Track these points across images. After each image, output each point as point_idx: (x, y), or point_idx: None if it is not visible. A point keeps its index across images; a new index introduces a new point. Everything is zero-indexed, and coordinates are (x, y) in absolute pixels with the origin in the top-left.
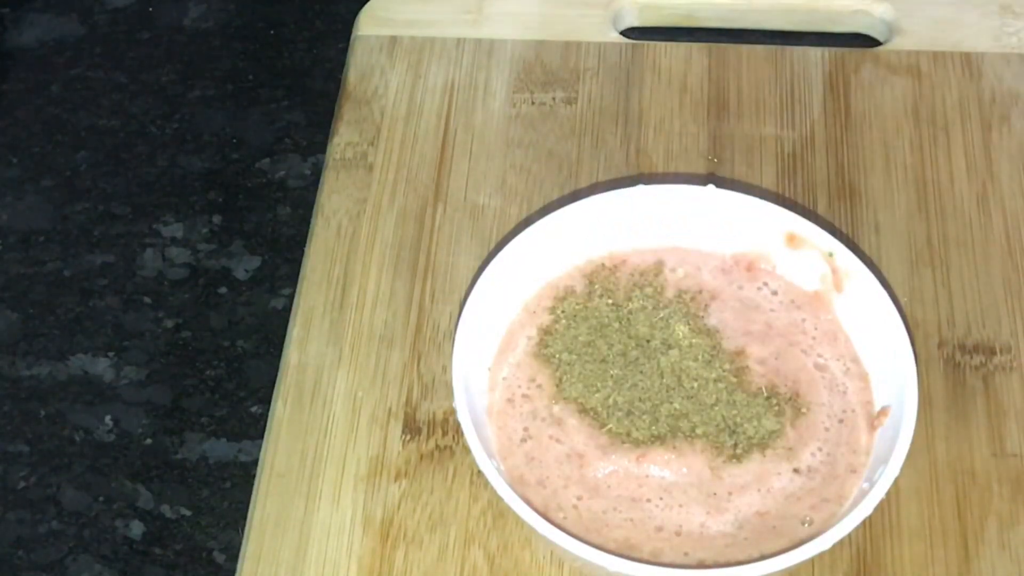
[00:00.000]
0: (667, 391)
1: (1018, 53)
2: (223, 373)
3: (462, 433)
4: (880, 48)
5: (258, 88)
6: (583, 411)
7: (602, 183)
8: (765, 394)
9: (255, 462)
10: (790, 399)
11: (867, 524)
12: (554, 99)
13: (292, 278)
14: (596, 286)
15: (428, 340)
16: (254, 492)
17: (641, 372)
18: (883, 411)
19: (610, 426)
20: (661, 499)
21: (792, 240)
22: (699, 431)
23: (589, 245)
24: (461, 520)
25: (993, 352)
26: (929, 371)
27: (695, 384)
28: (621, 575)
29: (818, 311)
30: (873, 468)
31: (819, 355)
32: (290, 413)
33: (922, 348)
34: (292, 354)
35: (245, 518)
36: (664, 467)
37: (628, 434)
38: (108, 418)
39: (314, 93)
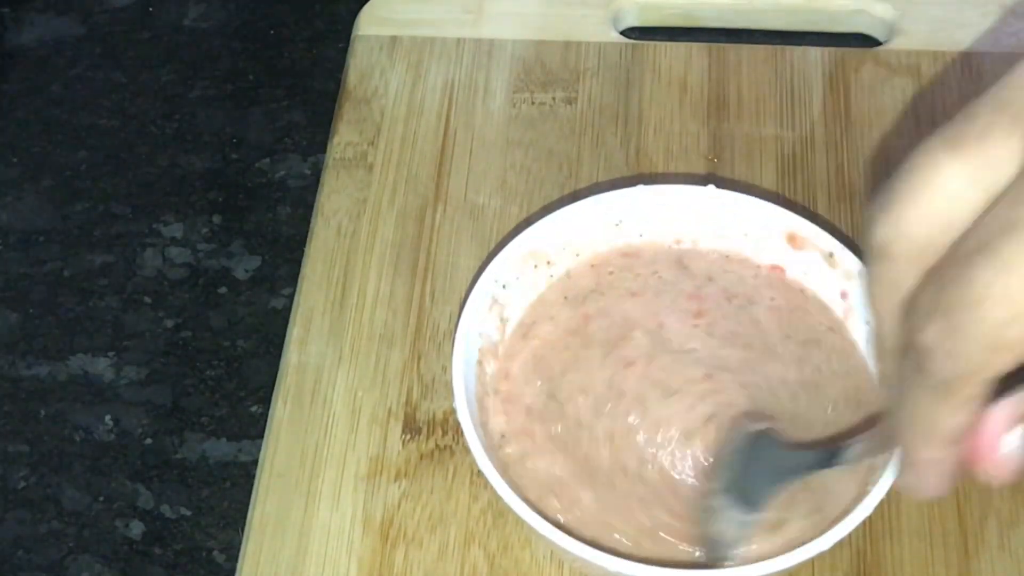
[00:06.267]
0: None
1: (1018, 53)
2: (223, 373)
3: (462, 433)
4: (880, 48)
5: (258, 88)
6: None
7: (602, 183)
8: None
9: (255, 462)
10: None
11: (867, 524)
12: (554, 99)
13: (292, 278)
14: None
15: (428, 340)
16: (254, 492)
17: None
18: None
19: None
20: None
21: (792, 240)
22: None
23: (588, 245)
24: (461, 520)
25: None
26: None
27: None
28: (621, 575)
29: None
30: (873, 468)
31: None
32: (290, 413)
33: None
34: (292, 354)
35: (245, 518)
36: None
37: None
38: (108, 418)
39: (314, 93)
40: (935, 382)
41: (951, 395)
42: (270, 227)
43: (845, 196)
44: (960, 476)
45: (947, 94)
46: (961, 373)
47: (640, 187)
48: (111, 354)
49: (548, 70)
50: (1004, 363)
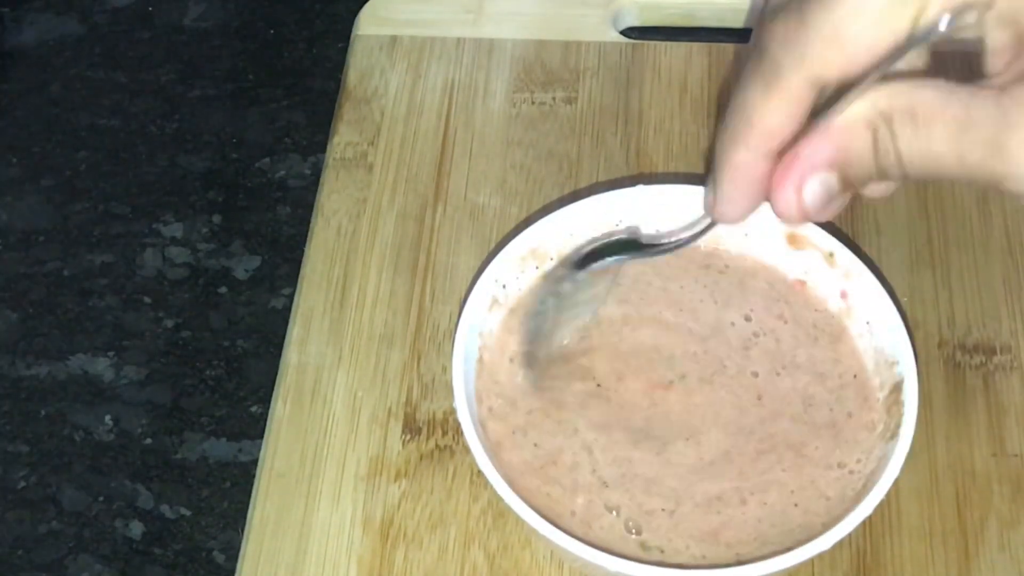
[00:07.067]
0: None
1: None
2: (223, 373)
3: (462, 433)
4: None
5: (258, 88)
6: None
7: (602, 183)
8: None
9: (255, 462)
10: None
11: (867, 524)
12: (554, 99)
13: (292, 278)
14: None
15: (428, 340)
16: (254, 492)
17: None
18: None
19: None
20: None
21: (793, 240)
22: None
23: (588, 245)
24: (461, 520)
25: (993, 352)
26: (929, 371)
27: None
28: (621, 575)
29: None
30: (873, 468)
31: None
32: (290, 413)
33: (922, 348)
34: (292, 354)
35: (245, 518)
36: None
37: None
38: (108, 418)
39: (314, 93)
40: (767, 71)
41: (779, 84)
42: (270, 227)
43: None
44: (760, 201)
45: None
46: (793, 61)
47: (640, 187)
48: (111, 354)
49: (548, 70)
50: (834, 63)
